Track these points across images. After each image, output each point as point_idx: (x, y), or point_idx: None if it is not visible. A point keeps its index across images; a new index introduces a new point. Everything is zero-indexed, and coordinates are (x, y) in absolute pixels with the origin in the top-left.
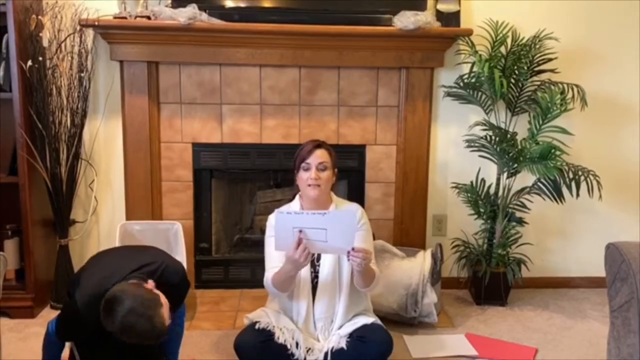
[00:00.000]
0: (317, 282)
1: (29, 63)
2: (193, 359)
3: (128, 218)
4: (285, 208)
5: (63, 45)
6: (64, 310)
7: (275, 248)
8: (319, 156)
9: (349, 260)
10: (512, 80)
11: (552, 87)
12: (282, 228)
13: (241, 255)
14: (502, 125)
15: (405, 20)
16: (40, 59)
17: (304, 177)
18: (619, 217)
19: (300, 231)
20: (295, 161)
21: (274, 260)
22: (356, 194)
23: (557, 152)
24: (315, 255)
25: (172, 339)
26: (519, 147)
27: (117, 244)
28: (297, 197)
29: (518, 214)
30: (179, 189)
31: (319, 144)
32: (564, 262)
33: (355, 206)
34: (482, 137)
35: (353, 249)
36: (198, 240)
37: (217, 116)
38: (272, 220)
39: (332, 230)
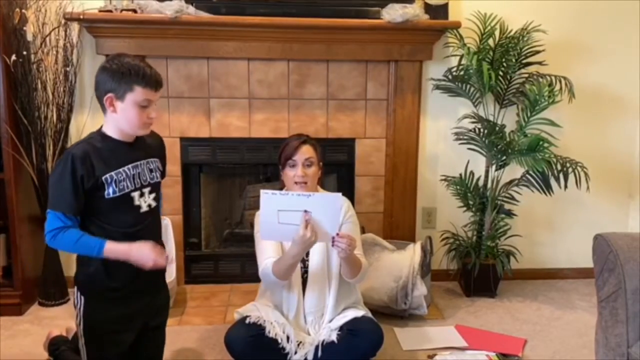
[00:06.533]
0: (307, 277)
1: (13, 57)
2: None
3: None
4: None
5: (48, 39)
6: (52, 178)
7: (261, 234)
8: (305, 152)
9: (333, 246)
10: (501, 73)
11: (540, 79)
12: (267, 209)
13: (231, 250)
14: (491, 118)
15: (394, 13)
16: (25, 53)
17: (290, 174)
18: (606, 208)
19: (306, 211)
20: (280, 158)
21: (268, 251)
22: (346, 188)
23: (546, 144)
24: None
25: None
26: (508, 139)
27: None
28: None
29: (507, 206)
30: (168, 184)
31: (304, 140)
32: (553, 253)
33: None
34: (470, 130)
35: (338, 234)
36: (187, 235)
37: (206, 110)
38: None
39: (317, 214)
